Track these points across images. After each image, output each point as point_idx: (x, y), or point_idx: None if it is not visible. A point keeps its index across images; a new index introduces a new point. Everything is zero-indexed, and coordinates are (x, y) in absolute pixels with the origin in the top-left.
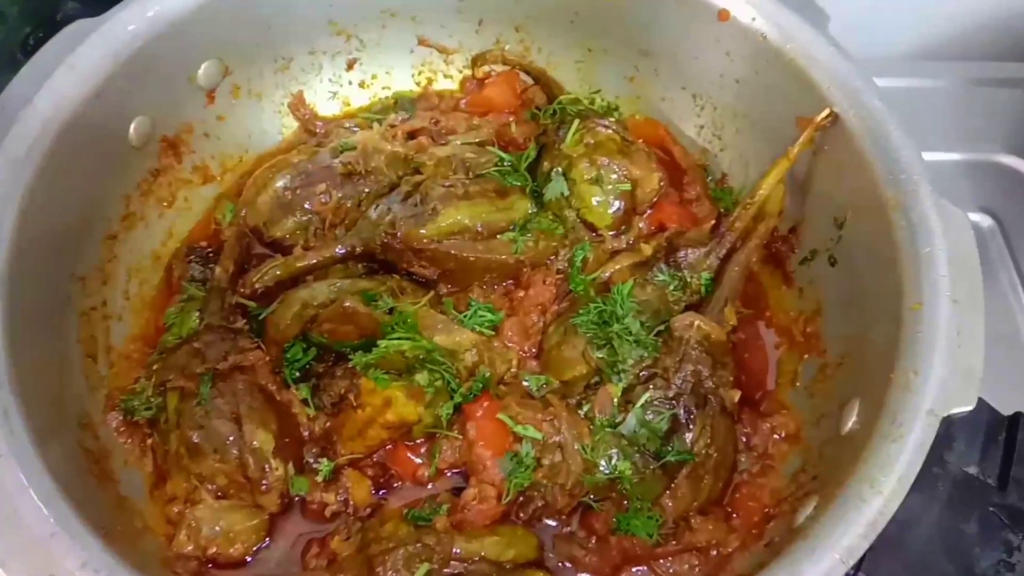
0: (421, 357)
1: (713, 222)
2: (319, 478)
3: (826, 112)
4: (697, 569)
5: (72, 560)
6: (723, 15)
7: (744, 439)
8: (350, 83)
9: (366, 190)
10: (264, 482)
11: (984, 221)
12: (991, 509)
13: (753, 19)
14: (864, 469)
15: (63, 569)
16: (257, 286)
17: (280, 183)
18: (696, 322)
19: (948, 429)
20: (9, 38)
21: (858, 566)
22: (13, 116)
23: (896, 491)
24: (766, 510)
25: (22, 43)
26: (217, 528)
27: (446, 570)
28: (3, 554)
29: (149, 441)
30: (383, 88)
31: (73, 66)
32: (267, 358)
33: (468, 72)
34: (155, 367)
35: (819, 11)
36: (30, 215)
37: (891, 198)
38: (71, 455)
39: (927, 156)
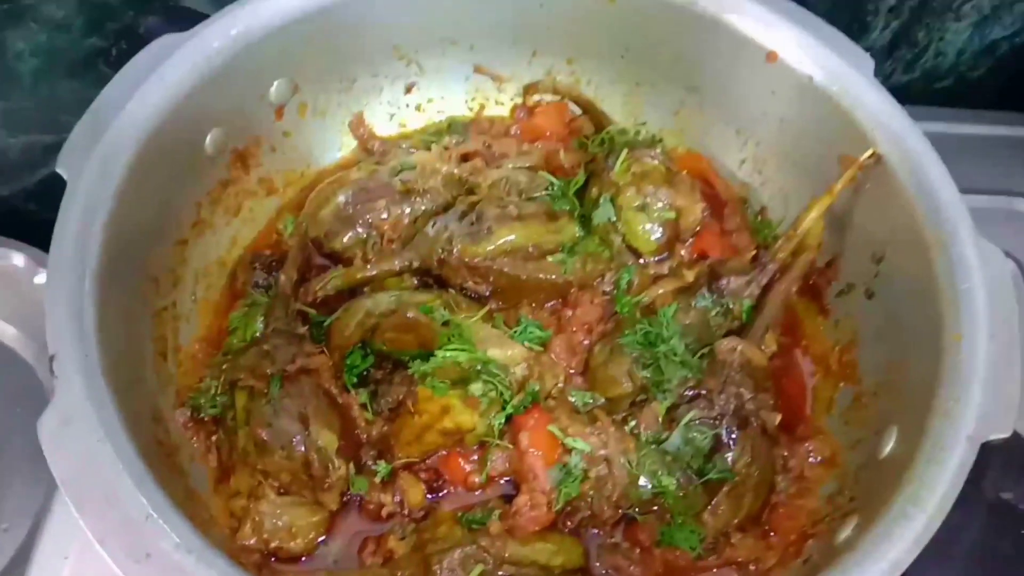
0: (476, 368)
1: (753, 252)
2: (377, 479)
3: (870, 152)
4: None
5: (167, 541)
6: (771, 56)
7: (782, 461)
8: (407, 106)
9: (423, 208)
10: (327, 480)
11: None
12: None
13: (801, 62)
14: (908, 489)
15: (158, 549)
16: (319, 294)
17: (341, 198)
18: (739, 346)
19: (984, 457)
20: (73, 47)
21: None
22: (107, 122)
23: (939, 509)
24: (804, 529)
25: (103, 53)
26: (279, 523)
27: (499, 572)
28: (102, 533)
29: (214, 438)
30: (438, 112)
31: (162, 77)
32: (330, 363)
33: (519, 100)
34: (224, 367)
35: (863, 55)
36: (118, 215)
37: (932, 236)
38: (150, 447)
39: None
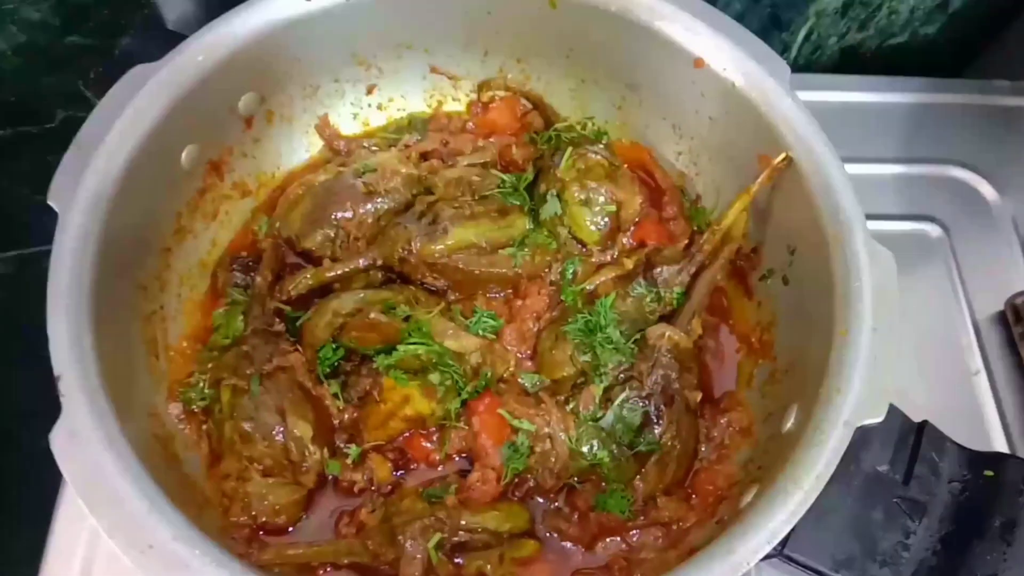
0: (434, 360)
1: (687, 241)
2: (349, 460)
3: (783, 156)
4: (660, 540)
5: (165, 533)
6: (698, 63)
7: (705, 431)
8: (369, 105)
9: (385, 207)
10: (304, 464)
11: (934, 231)
12: (895, 500)
13: (724, 68)
14: (790, 468)
15: (158, 540)
16: (292, 293)
17: (309, 201)
18: (667, 332)
19: (866, 434)
20: (52, 45)
21: (783, 544)
22: (90, 152)
23: (814, 487)
24: (719, 492)
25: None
26: (265, 502)
27: (454, 538)
28: (110, 528)
29: (204, 427)
30: (399, 110)
31: (138, 108)
32: (303, 359)
33: (474, 97)
34: (210, 365)
35: (780, 63)
36: (106, 239)
37: (831, 234)
38: (145, 442)
39: (886, 169)
